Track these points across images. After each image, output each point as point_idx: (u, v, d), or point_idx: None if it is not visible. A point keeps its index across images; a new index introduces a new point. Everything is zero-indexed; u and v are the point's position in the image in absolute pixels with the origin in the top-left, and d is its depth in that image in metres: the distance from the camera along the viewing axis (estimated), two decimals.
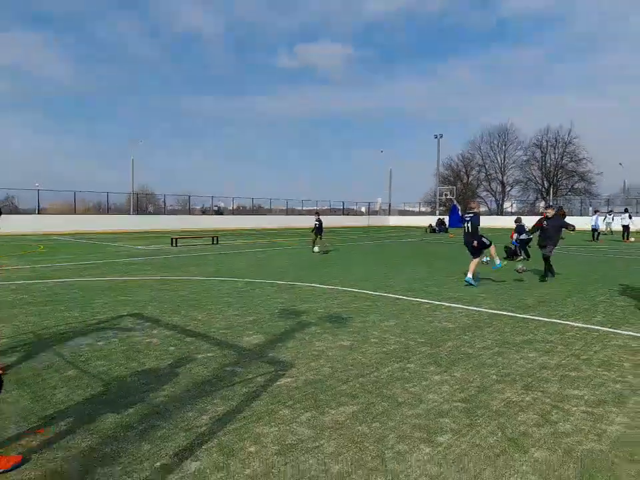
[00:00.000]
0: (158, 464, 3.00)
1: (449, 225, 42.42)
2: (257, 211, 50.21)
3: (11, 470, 2.88)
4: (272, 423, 3.57)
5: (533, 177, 71.33)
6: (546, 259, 10.97)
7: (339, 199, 65.68)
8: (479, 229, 10.33)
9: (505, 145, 73.08)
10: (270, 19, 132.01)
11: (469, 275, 10.07)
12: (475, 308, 7.83)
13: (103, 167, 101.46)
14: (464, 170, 76.00)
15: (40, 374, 4.61)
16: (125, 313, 7.28)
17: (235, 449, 3.19)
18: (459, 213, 42.05)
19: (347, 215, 56.99)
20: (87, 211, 37.28)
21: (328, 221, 40.41)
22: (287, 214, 49.70)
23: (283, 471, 2.93)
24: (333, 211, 55.60)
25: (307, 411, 3.78)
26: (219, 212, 50.35)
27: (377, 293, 9.14)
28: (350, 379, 4.51)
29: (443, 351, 5.44)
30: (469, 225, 10.44)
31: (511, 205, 66.13)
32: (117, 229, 33.61)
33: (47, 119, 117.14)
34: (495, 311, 7.59)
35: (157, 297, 8.72)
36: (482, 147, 74.10)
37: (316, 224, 18.59)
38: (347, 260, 15.75)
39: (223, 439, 3.32)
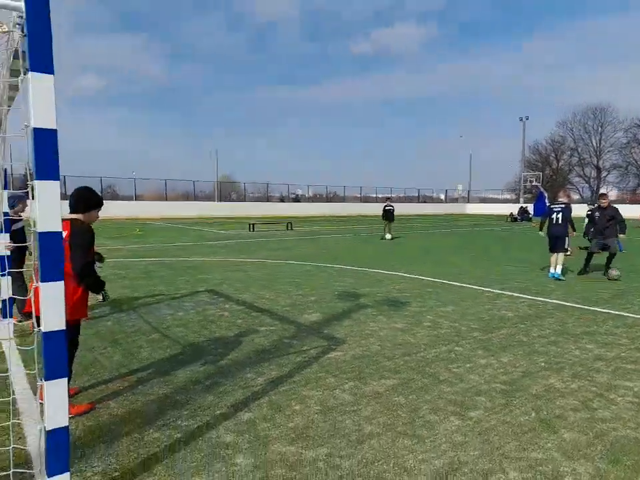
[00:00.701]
0: (218, 412, 3.54)
1: (533, 214, 40.18)
2: (332, 198, 50.93)
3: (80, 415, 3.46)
4: (317, 388, 3.98)
5: (634, 161, 64.73)
6: (612, 254, 10.04)
7: (414, 186, 64.44)
8: (568, 224, 9.77)
9: (602, 127, 66.86)
10: (344, 4, 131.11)
11: (558, 270, 9.64)
12: (541, 298, 7.68)
13: (190, 157, 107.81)
14: (553, 154, 70.93)
15: (130, 336, 5.41)
16: (203, 290, 8.10)
17: (282, 406, 3.65)
18: (546, 201, 39.63)
19: (423, 202, 55.87)
20: (176, 198, 40.18)
21: (402, 209, 40.10)
22: (361, 201, 49.85)
23: (321, 426, 3.33)
24: (407, 199, 54.79)
25: (350, 381, 4.15)
26: (297, 199, 51.79)
27: (441, 281, 9.21)
28: (396, 356, 4.80)
29: (495, 337, 5.52)
30: (559, 216, 9.92)
31: (607, 192, 60.75)
32: (202, 215, 35.94)
33: (140, 114, 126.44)
34: (562, 302, 7.39)
35: (231, 276, 9.51)
36: (574, 129, 68.51)
37: (388, 209, 18.69)
38: (415, 248, 15.75)
39: (273, 397, 3.80)
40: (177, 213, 34.76)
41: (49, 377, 2.25)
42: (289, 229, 23.34)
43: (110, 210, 31.35)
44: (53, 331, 2.25)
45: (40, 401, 2.32)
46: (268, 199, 46.30)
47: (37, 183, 2.19)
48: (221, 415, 3.50)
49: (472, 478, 2.74)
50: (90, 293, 3.59)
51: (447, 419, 3.46)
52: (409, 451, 3.03)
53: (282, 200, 50.53)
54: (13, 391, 3.73)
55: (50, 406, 2.26)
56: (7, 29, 2.21)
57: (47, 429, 2.26)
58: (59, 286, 2.26)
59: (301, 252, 14.01)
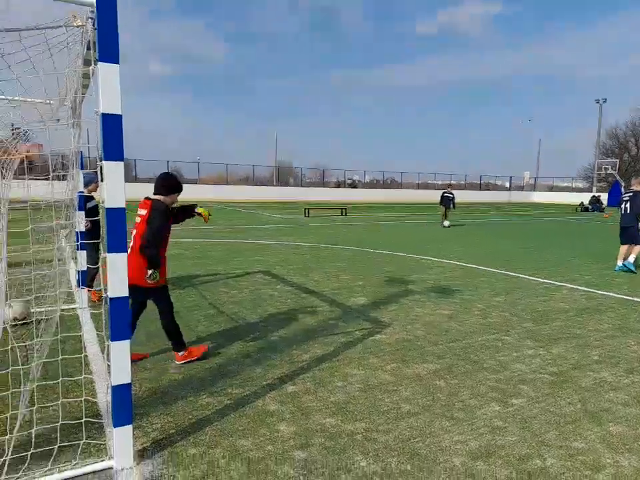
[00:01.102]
0: (264, 383, 3.76)
1: (607, 204, 37.64)
2: (389, 184, 50.33)
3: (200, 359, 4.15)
4: (360, 367, 4.11)
5: None
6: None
7: (476, 172, 62.14)
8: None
9: None
10: None
11: (630, 259, 9.02)
12: (603, 292, 7.32)
13: (250, 141, 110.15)
14: (633, 140, 65.62)
15: (189, 310, 5.79)
16: (257, 270, 8.43)
17: (325, 381, 3.81)
18: (622, 189, 36.80)
19: (486, 189, 53.85)
20: (236, 182, 41.40)
21: (462, 196, 38.89)
22: (419, 187, 48.86)
23: (361, 402, 3.46)
24: (469, 185, 52.99)
25: (392, 363, 4.24)
26: (353, 185, 51.67)
27: (496, 270, 8.98)
28: (440, 342, 4.82)
29: (547, 328, 5.38)
30: (627, 205, 9.31)
31: None
32: (261, 199, 36.81)
33: (204, 99, 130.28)
34: (627, 297, 7.02)
35: (284, 259, 9.80)
36: None
37: (446, 196, 18.28)
38: (473, 236, 15.35)
39: (316, 373, 3.98)
40: (236, 196, 35.84)
41: (114, 338, 2.53)
42: (344, 214, 23.44)
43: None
44: (117, 297, 2.52)
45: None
46: (324, 184, 46.52)
47: (104, 164, 2.44)
48: (267, 385, 3.72)
49: (507, 461, 2.77)
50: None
51: (487, 405, 3.48)
52: (445, 431, 3.10)
53: (338, 185, 50.60)
54: (86, 352, 4.15)
55: (115, 365, 2.55)
56: (80, 23, 2.45)
57: (112, 385, 2.55)
58: (123, 257, 2.52)
59: (353, 237, 14.09)
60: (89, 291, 6.04)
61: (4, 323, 4.71)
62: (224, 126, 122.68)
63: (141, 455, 2.75)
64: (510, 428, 3.16)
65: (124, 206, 2.52)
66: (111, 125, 2.45)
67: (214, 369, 4.03)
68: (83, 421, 2.80)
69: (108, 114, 2.44)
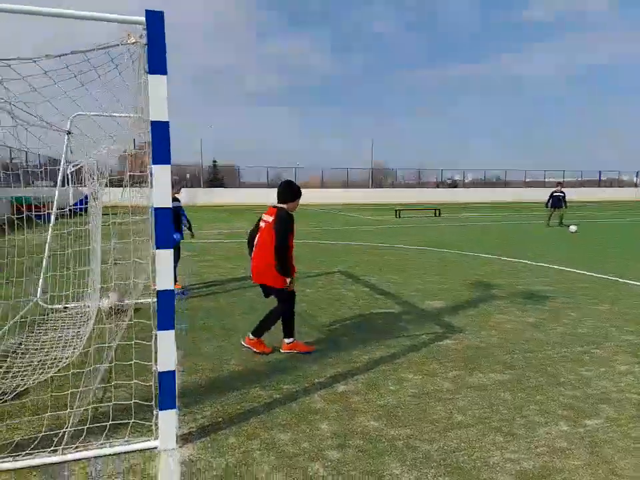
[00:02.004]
0: (317, 381, 3.78)
1: None
2: (494, 183, 47.44)
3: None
4: (419, 373, 3.94)
5: None
6: None
7: (593, 168, 55.96)
8: None
9: None
10: None
11: None
12: None
13: (348, 145, 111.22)
14: None
15: (262, 306, 6.01)
16: (336, 270, 8.49)
17: (378, 384, 3.72)
18: None
19: (607, 186, 48.29)
20: (332, 185, 42.02)
21: (575, 194, 35.37)
22: (525, 186, 45.32)
23: (411, 408, 3.32)
24: (584, 183, 47.87)
25: (455, 370, 4.00)
26: (453, 185, 49.70)
27: (601, 276, 8.04)
28: (516, 351, 4.44)
29: None
30: None
31: None
32: (355, 201, 36.95)
33: (305, 106, 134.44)
34: None
35: (366, 260, 9.74)
36: None
37: (556, 196, 16.76)
38: (582, 239, 13.89)
39: (372, 375, 3.89)
40: (331, 199, 36.40)
41: (160, 328, 2.73)
42: (437, 215, 22.63)
43: (273, 196, 34.55)
44: (163, 290, 2.71)
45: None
46: (421, 185, 45.30)
47: (153, 167, 2.64)
48: (319, 383, 3.73)
49: None
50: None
51: (554, 423, 3.13)
52: (497, 447, 2.85)
53: (437, 186, 48.89)
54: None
55: (161, 352, 2.74)
56: (134, 40, 2.68)
57: (158, 371, 2.75)
58: (169, 253, 2.70)
59: (443, 239, 13.55)
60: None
61: (102, 311, 5.32)
62: (322, 131, 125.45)
63: (186, 438, 2.92)
64: (575, 451, 2.81)
65: (170, 206, 2.71)
66: (159, 131, 2.65)
67: (272, 364, 4.14)
68: (132, 402, 3.05)
69: (156, 121, 2.64)
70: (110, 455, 2.73)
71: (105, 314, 5.26)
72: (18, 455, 2.64)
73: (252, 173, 45.96)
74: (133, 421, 2.93)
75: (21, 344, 4.39)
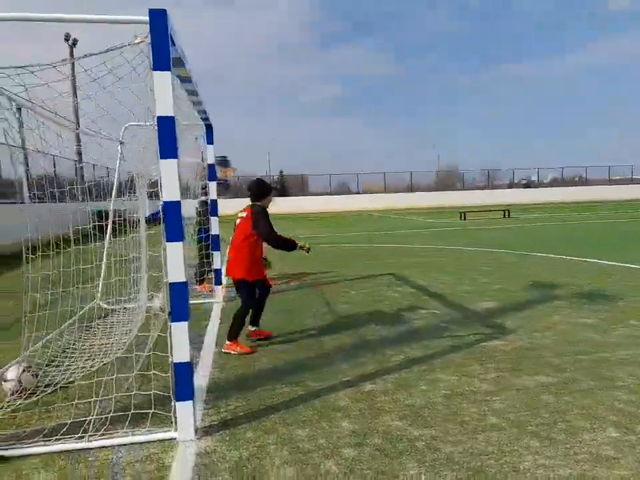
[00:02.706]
0: (344, 379, 3.67)
1: None
2: (573, 182, 44.33)
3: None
4: (456, 373, 3.70)
5: None
6: None
7: None
8: None
9: None
10: None
11: None
12: None
13: (414, 148, 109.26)
14: None
15: (303, 306, 6.00)
16: (385, 272, 8.29)
17: (408, 384, 3.54)
18: None
19: None
20: (395, 190, 41.42)
21: None
22: (610, 183, 41.85)
23: (439, 409, 3.12)
24: None
25: (497, 372, 3.72)
26: (527, 185, 47.19)
27: None
28: (567, 353, 4.05)
29: None
30: None
31: None
32: (421, 205, 36.10)
33: (368, 112, 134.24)
34: None
35: (419, 261, 9.43)
36: None
37: None
38: None
39: (403, 375, 3.71)
40: (394, 204, 35.82)
41: (174, 319, 2.77)
42: (506, 216, 21.51)
43: (337, 202, 34.95)
44: (175, 282, 2.76)
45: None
46: (492, 186, 43.35)
47: (160, 162, 2.71)
48: (346, 381, 3.62)
49: None
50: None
51: (601, 429, 2.80)
52: (531, 452, 2.58)
53: (510, 187, 46.54)
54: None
55: (175, 343, 2.79)
56: (140, 40, 2.78)
57: (173, 362, 2.79)
58: (179, 245, 2.75)
59: (506, 240, 12.83)
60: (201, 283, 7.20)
61: (152, 312, 5.56)
62: (386, 135, 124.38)
63: (206, 431, 2.94)
64: (623, 460, 2.48)
65: (179, 199, 2.76)
66: (166, 126, 2.71)
67: (302, 361, 4.09)
68: (151, 392, 3.12)
69: (162, 116, 2.71)
70: (132, 443, 2.80)
71: (154, 313, 5.51)
72: (49, 440, 2.79)
73: (317, 181, 46.51)
74: (152, 411, 2.99)
75: (76, 341, 4.67)
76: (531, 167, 53.56)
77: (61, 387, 3.55)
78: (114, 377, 3.17)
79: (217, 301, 6.47)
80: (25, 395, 3.36)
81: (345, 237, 15.30)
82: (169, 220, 2.73)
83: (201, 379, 3.79)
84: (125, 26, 2.77)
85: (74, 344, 4.56)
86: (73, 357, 4.22)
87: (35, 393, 3.39)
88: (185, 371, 2.81)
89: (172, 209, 2.73)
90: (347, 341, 4.61)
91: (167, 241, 2.73)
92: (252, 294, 4.50)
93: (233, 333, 4.40)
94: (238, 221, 4.50)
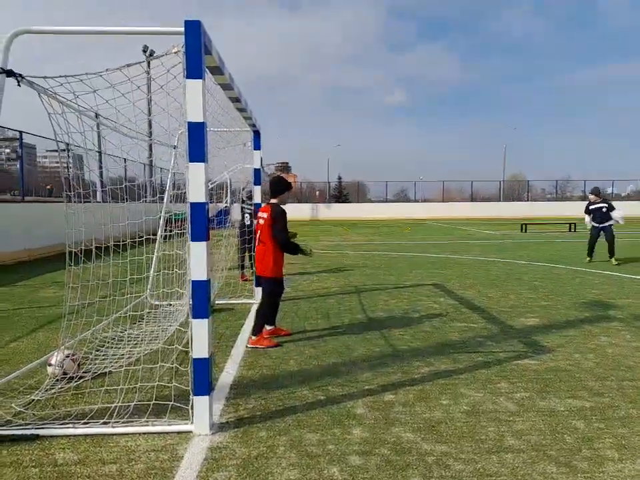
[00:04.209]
0: (366, 387, 3.65)
1: None
2: None
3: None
4: (481, 390, 3.57)
5: None
6: None
7: None
8: None
9: None
10: None
11: None
12: None
13: (480, 156, 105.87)
14: None
15: (341, 312, 6.01)
16: (429, 283, 8.12)
17: (430, 397, 3.46)
18: None
19: None
20: (455, 199, 40.32)
21: None
22: None
23: (457, 425, 3.02)
24: None
25: (526, 392, 3.54)
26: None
27: None
28: (609, 377, 3.79)
29: None
30: None
31: None
32: (483, 215, 34.84)
33: (432, 118, 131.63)
34: None
35: (466, 273, 9.14)
36: None
37: None
38: None
39: (426, 387, 3.63)
40: (455, 213, 34.87)
41: (195, 316, 2.90)
42: (572, 230, 20.30)
43: (394, 210, 34.68)
44: (197, 280, 2.88)
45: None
46: (564, 198, 41.11)
47: (189, 165, 2.85)
48: (367, 390, 3.60)
49: None
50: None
51: (631, 460, 2.60)
52: (545, 477, 2.45)
53: (582, 198, 43.87)
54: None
55: (195, 339, 2.91)
56: (177, 50, 2.95)
57: (192, 357, 2.92)
58: (204, 245, 2.88)
59: (565, 254, 12.12)
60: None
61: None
62: (452, 143, 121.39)
63: (222, 426, 3.03)
64: None
65: (205, 200, 2.89)
66: (196, 132, 2.86)
67: (328, 366, 4.10)
68: (172, 385, 3.26)
69: (193, 122, 2.85)
70: (151, 433, 2.95)
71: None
72: (78, 423, 3.00)
73: (375, 188, 46.24)
74: (172, 403, 3.13)
75: (122, 332, 4.95)
76: (606, 178, 50.08)
77: (100, 374, 3.79)
78: (140, 367, 3.35)
79: (256, 301, 6.61)
80: (65, 379, 3.63)
81: (397, 246, 15.12)
82: (194, 220, 2.86)
83: (226, 376, 3.92)
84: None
85: (120, 335, 4.84)
86: (116, 347, 4.50)
87: (74, 379, 3.65)
88: (203, 367, 2.92)
89: (198, 210, 2.86)
90: (376, 349, 4.57)
91: (192, 240, 2.87)
92: (275, 290, 4.77)
93: (257, 329, 4.59)
94: (261, 221, 4.73)
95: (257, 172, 6.75)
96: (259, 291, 6.68)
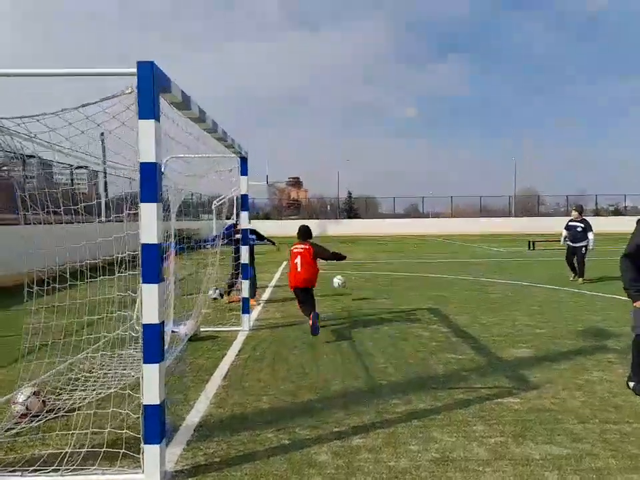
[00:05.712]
0: (336, 429, 3.48)
1: None
2: None
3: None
4: (454, 434, 3.40)
5: None
6: None
7: None
8: None
9: None
10: None
11: None
12: None
13: (489, 172, 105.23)
14: None
15: (318, 344, 5.87)
16: (425, 307, 7.94)
17: (399, 442, 3.29)
18: None
19: None
20: (461, 214, 39.96)
21: None
22: None
23: (422, 475, 2.86)
24: None
25: (501, 435, 3.36)
26: (617, 212, 43.93)
27: None
28: (593, 419, 3.59)
29: None
30: None
31: None
32: (492, 231, 34.44)
33: (443, 134, 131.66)
34: None
35: (463, 297, 8.95)
36: None
37: None
38: None
39: (398, 430, 3.47)
40: (464, 229, 34.54)
41: (146, 361, 2.80)
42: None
43: (402, 225, 34.52)
44: (149, 324, 2.80)
45: None
46: (569, 213, 40.46)
47: (141, 205, 2.79)
48: (336, 432, 3.44)
49: None
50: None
51: None
52: None
53: (596, 214, 43.20)
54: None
55: (146, 385, 2.81)
56: (130, 91, 2.91)
57: (143, 404, 2.82)
58: (155, 287, 2.79)
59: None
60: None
61: (177, 337, 5.73)
62: (459, 158, 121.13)
63: (175, 475, 2.92)
64: None
65: (157, 242, 2.82)
66: (147, 172, 2.80)
67: (302, 405, 3.97)
68: (123, 432, 3.16)
69: (145, 162, 2.80)
70: None
71: (179, 339, 5.66)
72: (26, 471, 2.90)
73: (384, 203, 46.14)
74: (122, 451, 3.02)
75: (95, 367, 4.85)
76: (619, 193, 49.28)
77: (63, 414, 3.70)
78: (92, 412, 3.26)
79: (243, 329, 6.52)
80: (28, 419, 3.55)
81: (401, 265, 14.94)
82: (146, 261, 2.79)
83: (195, 414, 3.81)
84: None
85: (92, 370, 4.75)
86: (85, 383, 4.40)
87: (38, 418, 3.57)
88: (154, 414, 2.82)
89: (150, 251, 2.79)
90: (355, 384, 4.42)
91: (143, 282, 2.79)
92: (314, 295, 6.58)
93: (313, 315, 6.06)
94: (298, 250, 6.38)
95: (244, 198, 6.71)
96: (245, 319, 6.61)
